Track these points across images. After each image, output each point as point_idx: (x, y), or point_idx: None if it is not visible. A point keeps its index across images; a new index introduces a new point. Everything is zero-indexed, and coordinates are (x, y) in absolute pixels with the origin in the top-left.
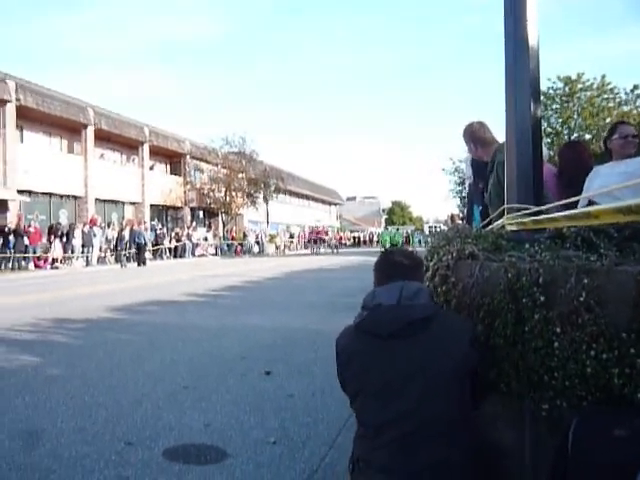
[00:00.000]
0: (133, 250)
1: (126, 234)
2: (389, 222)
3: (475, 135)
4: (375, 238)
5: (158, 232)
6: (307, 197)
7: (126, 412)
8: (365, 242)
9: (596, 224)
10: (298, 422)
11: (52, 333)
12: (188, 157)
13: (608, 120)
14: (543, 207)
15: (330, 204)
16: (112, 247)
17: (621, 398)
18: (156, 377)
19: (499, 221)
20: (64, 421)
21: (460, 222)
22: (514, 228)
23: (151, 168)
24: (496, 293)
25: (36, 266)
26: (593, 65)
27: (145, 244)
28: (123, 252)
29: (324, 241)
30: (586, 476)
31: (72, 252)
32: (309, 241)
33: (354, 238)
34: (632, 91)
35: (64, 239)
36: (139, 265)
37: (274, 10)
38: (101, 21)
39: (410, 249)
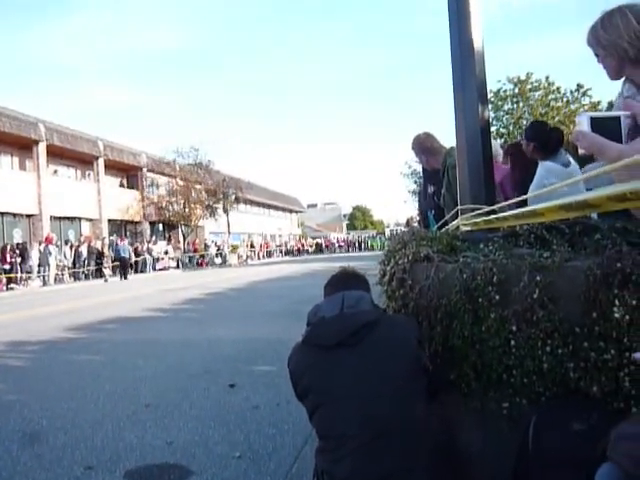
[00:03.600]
0: (92, 267)
1: (84, 250)
2: (350, 227)
3: (423, 146)
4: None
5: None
6: (268, 206)
7: (86, 435)
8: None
9: (543, 221)
10: (263, 434)
11: (7, 357)
12: (145, 170)
13: (557, 119)
14: (495, 206)
15: (291, 212)
16: (70, 264)
17: (577, 391)
18: (117, 396)
19: (454, 222)
20: (20, 448)
21: (416, 225)
22: (468, 228)
23: (122, 185)
24: (452, 294)
25: None
26: (540, 66)
27: (129, 258)
28: (82, 269)
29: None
30: (547, 471)
31: (28, 272)
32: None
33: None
34: (577, 90)
35: (19, 259)
36: (125, 279)
37: (225, 23)
38: (50, 35)
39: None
